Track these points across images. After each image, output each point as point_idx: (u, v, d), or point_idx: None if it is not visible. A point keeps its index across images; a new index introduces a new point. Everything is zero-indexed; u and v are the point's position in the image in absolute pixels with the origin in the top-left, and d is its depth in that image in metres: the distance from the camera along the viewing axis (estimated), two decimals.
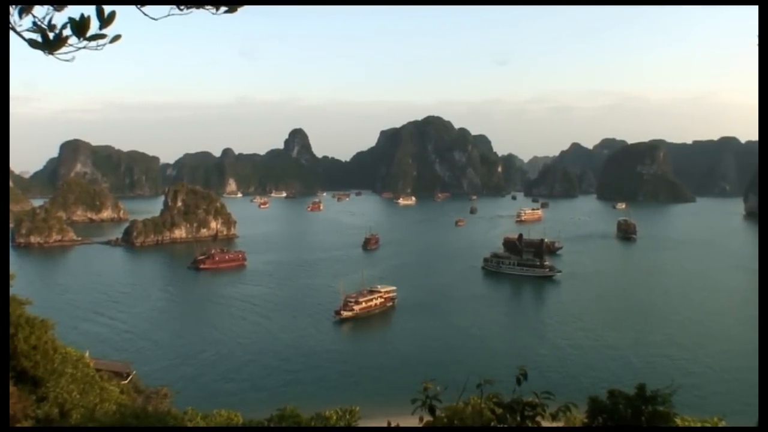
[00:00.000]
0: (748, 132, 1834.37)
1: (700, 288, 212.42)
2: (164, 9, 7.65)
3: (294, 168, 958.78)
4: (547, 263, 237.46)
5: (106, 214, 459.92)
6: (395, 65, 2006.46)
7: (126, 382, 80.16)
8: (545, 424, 11.86)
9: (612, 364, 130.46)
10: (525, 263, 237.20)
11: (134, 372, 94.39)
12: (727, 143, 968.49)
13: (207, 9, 7.71)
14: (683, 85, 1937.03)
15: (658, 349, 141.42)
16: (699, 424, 39.06)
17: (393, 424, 13.09)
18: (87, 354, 59.67)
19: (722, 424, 47.34)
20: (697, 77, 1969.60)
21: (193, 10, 7.69)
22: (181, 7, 7.56)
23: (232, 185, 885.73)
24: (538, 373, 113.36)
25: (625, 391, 18.16)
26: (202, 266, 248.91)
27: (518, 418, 11.22)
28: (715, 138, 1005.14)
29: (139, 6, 7.46)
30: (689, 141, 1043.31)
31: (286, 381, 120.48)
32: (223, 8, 7.78)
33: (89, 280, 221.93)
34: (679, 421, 21.66)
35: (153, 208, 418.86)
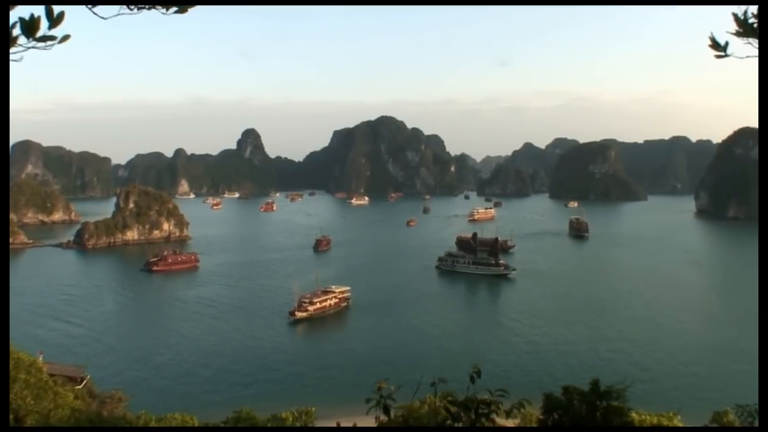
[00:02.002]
0: (699, 131, 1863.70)
1: (652, 284, 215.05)
2: (114, 9, 7.54)
3: (247, 168, 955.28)
4: (502, 262, 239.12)
5: (58, 216, 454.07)
6: (348, 65, 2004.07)
7: (80, 387, 79.40)
8: (500, 420, 11.78)
9: (566, 360, 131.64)
10: (480, 262, 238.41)
11: (88, 376, 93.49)
12: (678, 142, 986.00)
13: (157, 9, 7.57)
14: (635, 85, 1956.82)
15: (612, 345, 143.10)
16: (655, 419, 39.28)
17: (351, 424, 12.96)
18: (40, 359, 58.88)
19: (677, 419, 47.74)
20: (649, 77, 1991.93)
21: (144, 10, 7.56)
22: (131, 7, 7.45)
23: (184, 186, 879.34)
24: (493, 370, 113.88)
25: (579, 387, 18.17)
26: (154, 268, 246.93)
27: (472, 416, 11.13)
28: (667, 137, 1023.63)
29: (89, 6, 7.32)
30: (641, 140, 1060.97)
31: (241, 383, 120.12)
32: (173, 8, 7.67)
33: (40, 283, 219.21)
34: (635, 416, 21.70)
35: (105, 209, 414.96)
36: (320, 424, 68.84)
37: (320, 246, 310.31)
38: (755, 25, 8.32)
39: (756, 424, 19.57)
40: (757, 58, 8.75)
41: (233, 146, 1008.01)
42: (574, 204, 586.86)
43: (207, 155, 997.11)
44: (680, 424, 47.18)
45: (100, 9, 7.47)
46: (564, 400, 17.79)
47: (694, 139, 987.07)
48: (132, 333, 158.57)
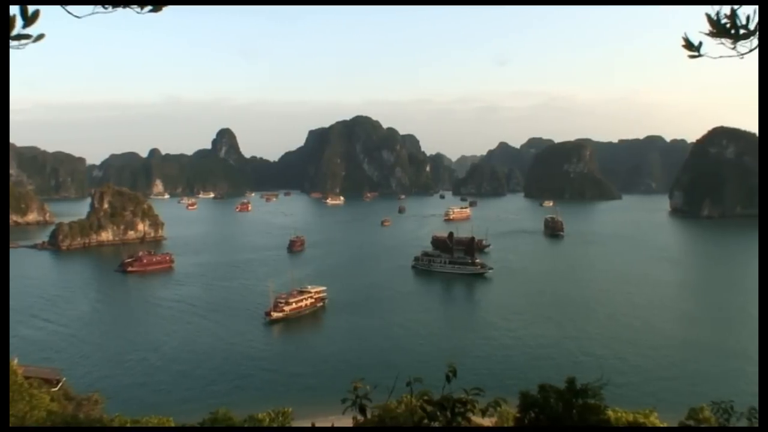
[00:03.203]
0: (673, 131, 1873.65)
1: (627, 282, 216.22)
2: (89, 8, 7.50)
3: (222, 168, 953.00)
4: (478, 261, 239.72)
5: (32, 217, 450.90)
6: (323, 65, 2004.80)
7: (56, 389, 78.94)
8: (476, 419, 11.80)
9: (542, 358, 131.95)
10: (456, 261, 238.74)
11: (64, 379, 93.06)
12: (653, 142, 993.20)
13: (132, 8, 7.53)
14: (610, 85, 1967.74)
15: (588, 343, 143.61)
16: (631, 417, 39.49)
17: (329, 424, 12.96)
18: (15, 361, 58.54)
19: (654, 416, 47.94)
20: (624, 77, 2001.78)
21: (119, 9, 7.52)
22: (106, 6, 7.43)
23: (159, 186, 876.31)
24: (469, 369, 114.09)
25: (555, 385, 18.27)
26: (129, 269, 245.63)
27: (449, 415, 11.15)
28: (641, 137, 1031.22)
29: (63, 5, 7.30)
30: (615, 140, 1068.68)
31: (217, 384, 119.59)
32: (147, 7, 7.63)
33: (15, 285, 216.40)
34: (610, 413, 21.82)
35: (79, 210, 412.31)
36: (297, 424, 68.70)
37: (294, 247, 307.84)
38: (728, 26, 8.39)
39: (731, 420, 19.72)
40: (731, 58, 8.82)
41: (208, 146, 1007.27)
42: (549, 203, 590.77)
43: (182, 155, 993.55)
44: (657, 421, 47.43)
45: (75, 8, 7.44)
46: (540, 399, 17.89)
47: (668, 139, 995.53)
48: (107, 334, 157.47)
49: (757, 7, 8.26)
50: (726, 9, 8.39)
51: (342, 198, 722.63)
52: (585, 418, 16.87)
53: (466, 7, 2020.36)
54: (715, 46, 8.65)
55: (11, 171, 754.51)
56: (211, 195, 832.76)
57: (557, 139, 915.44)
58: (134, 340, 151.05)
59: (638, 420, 40.31)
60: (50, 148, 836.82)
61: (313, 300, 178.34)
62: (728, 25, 8.39)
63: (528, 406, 18.25)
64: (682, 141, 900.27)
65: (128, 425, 53.04)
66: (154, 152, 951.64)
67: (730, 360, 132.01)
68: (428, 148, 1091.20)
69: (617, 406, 44.73)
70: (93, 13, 7.51)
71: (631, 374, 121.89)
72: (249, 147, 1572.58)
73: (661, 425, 46.78)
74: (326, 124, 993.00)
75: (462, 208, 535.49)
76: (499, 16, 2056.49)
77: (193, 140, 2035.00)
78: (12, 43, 7.05)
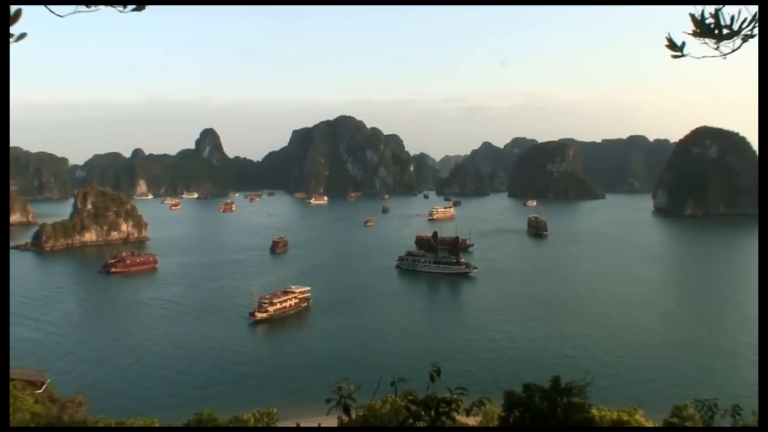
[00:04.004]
0: (657, 131, 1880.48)
1: (611, 281, 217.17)
2: (71, 7, 7.48)
3: (205, 168, 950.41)
4: (463, 260, 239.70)
5: (15, 217, 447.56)
6: (307, 64, 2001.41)
7: (40, 391, 78.52)
8: (461, 419, 11.82)
9: (526, 357, 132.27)
10: (441, 261, 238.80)
11: (48, 381, 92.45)
12: (636, 142, 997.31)
13: (114, 7, 7.47)
14: (593, 84, 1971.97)
15: (572, 342, 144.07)
16: (615, 415, 39.63)
17: (316, 424, 12.95)
18: None
19: (639, 414, 48.17)
20: (607, 77, 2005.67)
21: (101, 7, 7.47)
22: (89, 5, 7.39)
23: (142, 186, 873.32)
24: (454, 369, 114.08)
25: (540, 384, 18.30)
26: (113, 270, 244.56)
27: (433, 414, 11.15)
28: (624, 137, 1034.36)
29: (46, 4, 7.27)
30: (599, 140, 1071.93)
31: (202, 385, 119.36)
32: (130, 6, 7.59)
33: None
34: (595, 412, 21.88)
35: (62, 211, 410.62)
36: (282, 425, 68.65)
37: (277, 247, 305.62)
38: (712, 26, 8.42)
39: (715, 418, 19.81)
40: (714, 58, 8.85)
41: (191, 146, 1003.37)
42: (532, 203, 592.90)
43: (165, 155, 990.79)
44: (641, 419, 47.69)
45: (57, 7, 7.40)
46: (525, 398, 17.91)
47: (651, 139, 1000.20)
48: (91, 336, 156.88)
49: (747, 6, 8.29)
50: (710, 8, 8.42)
51: (326, 198, 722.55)
52: (570, 416, 16.90)
53: (451, 7, 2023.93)
54: (698, 46, 8.68)
55: None
56: (195, 195, 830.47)
57: (541, 139, 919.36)
58: (118, 341, 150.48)
59: (623, 418, 40.51)
60: (33, 149, 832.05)
61: (297, 300, 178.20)
62: (712, 25, 8.42)
63: (512, 405, 18.28)
64: (665, 141, 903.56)
65: (113, 426, 52.87)
66: (137, 152, 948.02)
67: (712, 358, 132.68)
68: (412, 148, 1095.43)
69: (602, 405, 44.95)
70: (75, 12, 7.48)
71: (615, 373, 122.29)
72: (233, 147, 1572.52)
73: (646, 423, 47.03)
74: (310, 124, 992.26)
75: (446, 207, 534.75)
76: (484, 17, 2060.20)
77: (177, 140, 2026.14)
78: None
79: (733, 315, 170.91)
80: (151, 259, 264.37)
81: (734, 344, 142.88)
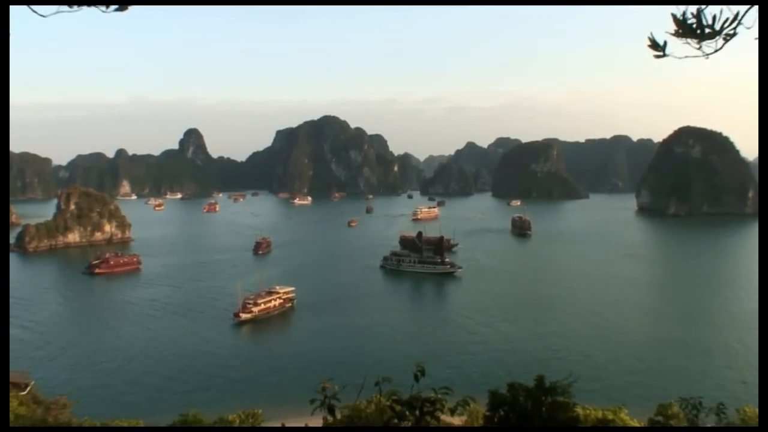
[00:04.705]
0: (640, 130, 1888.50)
1: (595, 280, 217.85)
2: (54, 7, 7.47)
3: (189, 169, 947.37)
4: (448, 260, 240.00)
5: None
6: (291, 65, 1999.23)
7: (24, 393, 78.35)
8: (446, 418, 11.84)
9: (511, 357, 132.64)
10: (426, 261, 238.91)
11: (32, 382, 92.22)
12: (619, 141, 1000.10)
13: (97, 7, 7.45)
14: (577, 84, 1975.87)
15: (556, 341, 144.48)
16: (600, 413, 39.74)
17: (303, 425, 12.94)
18: None
19: (624, 412, 48.31)
20: (591, 77, 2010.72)
21: (84, 8, 7.44)
22: (71, 6, 7.39)
23: (126, 187, 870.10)
24: (439, 369, 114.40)
25: (524, 384, 18.36)
26: (96, 271, 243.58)
27: (418, 414, 11.16)
28: (608, 137, 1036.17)
29: (29, 4, 7.25)
30: (582, 140, 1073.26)
31: (186, 386, 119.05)
32: (113, 6, 7.56)
33: None
34: (580, 411, 21.96)
35: (46, 211, 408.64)
36: (267, 425, 68.62)
37: (260, 249, 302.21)
38: (694, 26, 8.45)
39: (699, 416, 19.91)
40: (695, 58, 8.88)
41: (175, 146, 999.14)
42: (516, 202, 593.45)
43: (149, 155, 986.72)
44: (626, 418, 47.81)
45: (40, 7, 7.39)
46: (509, 397, 17.95)
47: (635, 138, 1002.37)
48: (75, 337, 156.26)
49: (728, 6, 8.32)
50: (692, 8, 8.44)
51: (309, 198, 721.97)
52: (554, 415, 16.95)
53: (435, 7, 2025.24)
54: (680, 46, 8.71)
55: None
56: (179, 195, 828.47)
57: (524, 139, 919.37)
58: (102, 342, 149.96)
59: (607, 417, 40.61)
60: (16, 149, 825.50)
61: (281, 301, 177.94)
62: (694, 25, 8.45)
63: (497, 405, 18.31)
64: (649, 140, 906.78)
65: (111, 426, 52.78)
66: (120, 153, 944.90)
67: (696, 356, 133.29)
68: (396, 148, 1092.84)
69: (586, 404, 45.07)
70: (58, 12, 7.47)
71: (599, 371, 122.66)
72: (216, 147, 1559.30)
73: (631, 422, 47.15)
74: (294, 124, 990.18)
75: (430, 207, 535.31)
76: (468, 17, 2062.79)
77: (160, 140, 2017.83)
78: None
79: (716, 313, 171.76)
80: (134, 259, 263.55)
81: (718, 343, 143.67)
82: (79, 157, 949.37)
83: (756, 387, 10.30)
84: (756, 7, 8.21)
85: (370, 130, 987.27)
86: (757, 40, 8.51)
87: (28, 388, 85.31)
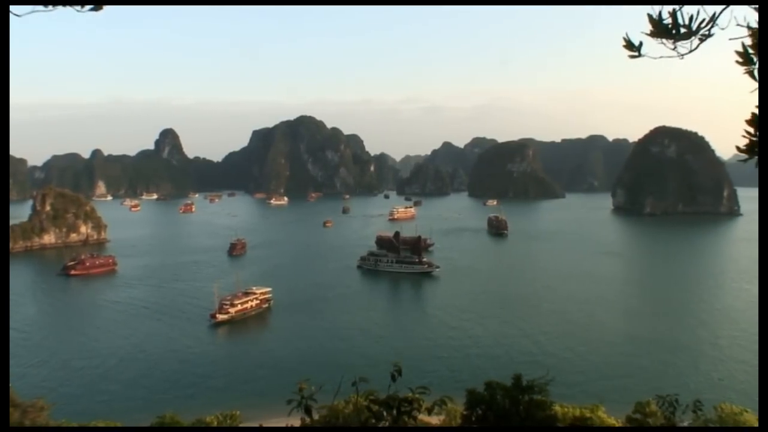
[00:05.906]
0: (615, 130, 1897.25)
1: (571, 278, 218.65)
2: (28, 7, 7.47)
3: (165, 169, 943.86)
4: (425, 260, 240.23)
5: None
6: (267, 65, 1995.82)
7: None
8: (423, 418, 11.84)
9: (488, 356, 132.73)
10: (403, 260, 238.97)
11: (9, 385, 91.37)
12: (595, 141, 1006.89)
13: (72, 7, 7.41)
14: (553, 84, 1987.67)
15: (533, 340, 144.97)
16: (578, 411, 39.93)
17: (284, 425, 12.93)
18: None
19: (601, 410, 48.54)
20: (567, 77, 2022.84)
21: (58, 7, 7.42)
22: (46, 5, 7.34)
23: (101, 188, 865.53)
24: (416, 369, 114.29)
25: (502, 382, 18.40)
26: (72, 272, 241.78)
27: (395, 414, 11.16)
28: (584, 136, 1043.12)
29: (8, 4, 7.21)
30: (558, 139, 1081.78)
31: (163, 388, 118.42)
32: (88, 6, 7.52)
33: None
34: (557, 409, 22.02)
35: (21, 212, 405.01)
36: (244, 426, 68.49)
37: (235, 250, 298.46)
38: (669, 26, 8.48)
39: (677, 413, 20.01)
40: (670, 59, 8.92)
41: (151, 146, 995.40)
42: (493, 202, 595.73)
43: (124, 156, 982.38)
44: (604, 416, 48.06)
45: (15, 7, 7.35)
46: (487, 396, 17.98)
47: (610, 138, 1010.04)
48: (51, 339, 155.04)
49: (704, 7, 8.35)
50: (668, 8, 8.47)
51: (286, 198, 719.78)
52: (532, 414, 17.00)
53: (411, 7, 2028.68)
54: (656, 47, 8.74)
55: None
56: (155, 196, 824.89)
57: (501, 139, 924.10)
58: (79, 344, 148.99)
59: (585, 414, 40.83)
60: None
61: (258, 301, 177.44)
62: (669, 26, 8.48)
63: (475, 404, 18.35)
64: (624, 140, 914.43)
65: (101, 426, 52.53)
66: (96, 153, 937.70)
67: (673, 353, 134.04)
68: (372, 148, 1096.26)
69: (564, 402, 45.26)
70: (32, 12, 7.42)
71: (576, 369, 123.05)
72: (192, 147, 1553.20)
73: (608, 419, 47.42)
74: (270, 125, 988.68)
75: (406, 207, 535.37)
76: (445, 18, 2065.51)
77: (136, 141, 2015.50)
78: None
79: (691, 311, 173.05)
80: (110, 260, 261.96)
81: (693, 340, 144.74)
82: (55, 158, 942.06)
83: (757, 387, 10.33)
84: (731, 8, 8.25)
85: (346, 130, 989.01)
86: (731, 40, 8.53)
87: None
